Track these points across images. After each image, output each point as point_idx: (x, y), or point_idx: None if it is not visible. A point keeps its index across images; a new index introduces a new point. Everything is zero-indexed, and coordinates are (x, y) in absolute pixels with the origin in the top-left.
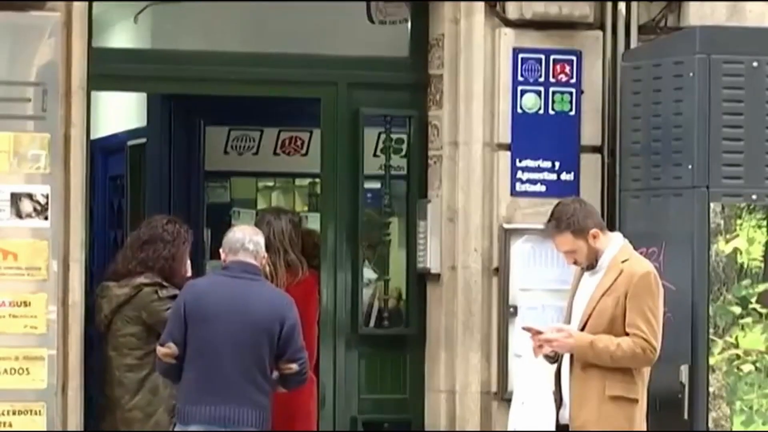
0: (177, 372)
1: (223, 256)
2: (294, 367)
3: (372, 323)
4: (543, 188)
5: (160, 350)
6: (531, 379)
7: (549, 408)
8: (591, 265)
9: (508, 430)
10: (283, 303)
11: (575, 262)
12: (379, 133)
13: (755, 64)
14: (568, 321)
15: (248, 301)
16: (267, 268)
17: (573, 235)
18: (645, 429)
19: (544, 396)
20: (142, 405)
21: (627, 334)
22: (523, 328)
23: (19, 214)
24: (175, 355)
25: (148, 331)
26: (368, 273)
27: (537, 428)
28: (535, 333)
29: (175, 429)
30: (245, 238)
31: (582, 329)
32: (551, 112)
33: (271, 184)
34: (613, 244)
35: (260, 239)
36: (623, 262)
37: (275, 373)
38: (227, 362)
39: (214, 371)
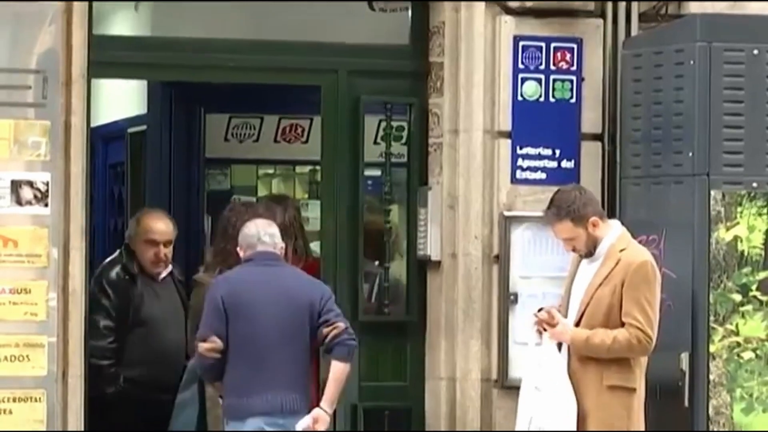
0: (218, 368)
1: (241, 253)
2: (340, 324)
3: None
4: (543, 176)
5: (204, 346)
6: (546, 364)
7: (569, 394)
8: (589, 253)
9: (520, 415)
10: (317, 281)
11: (574, 250)
12: (380, 121)
13: (756, 52)
14: (566, 308)
15: (285, 285)
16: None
17: (572, 223)
18: (643, 418)
19: (562, 382)
20: None
21: (623, 323)
22: (535, 315)
23: (19, 202)
24: (219, 350)
25: None
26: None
27: (558, 414)
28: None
29: (228, 424)
30: (260, 232)
31: (579, 318)
32: (552, 99)
33: (271, 171)
34: (612, 233)
35: (275, 230)
36: (621, 251)
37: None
38: (275, 350)
39: (263, 361)
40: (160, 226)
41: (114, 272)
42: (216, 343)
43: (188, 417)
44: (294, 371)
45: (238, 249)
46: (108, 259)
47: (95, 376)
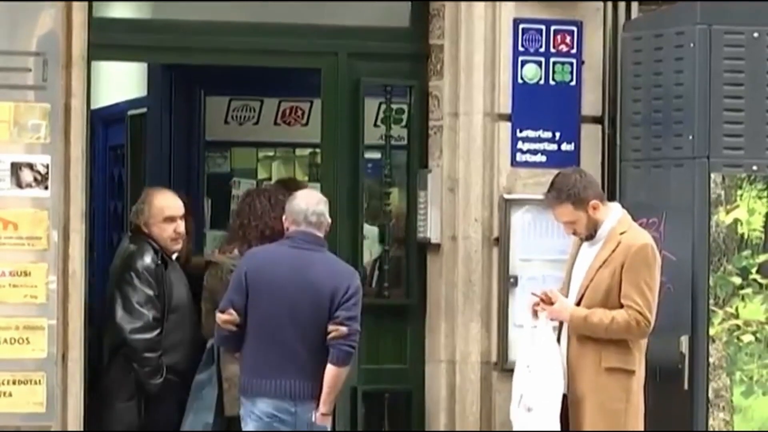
0: (236, 341)
1: (285, 224)
2: (343, 330)
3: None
4: (543, 158)
5: (221, 317)
6: (539, 344)
7: (557, 373)
8: (590, 236)
9: (513, 393)
10: (347, 272)
11: (574, 233)
12: (380, 103)
13: (756, 34)
14: (566, 291)
15: (309, 273)
16: None
17: (573, 206)
18: (643, 400)
19: (552, 361)
20: None
21: (621, 306)
22: (533, 294)
23: (19, 184)
24: (235, 323)
25: None
26: (368, 243)
27: (546, 393)
28: (546, 301)
29: (244, 405)
30: (308, 210)
31: (579, 300)
32: (552, 82)
33: (271, 154)
34: (612, 216)
35: (324, 208)
36: (621, 233)
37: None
38: (291, 336)
39: (277, 345)
40: (174, 201)
41: (149, 259)
42: (233, 315)
43: (207, 397)
44: (309, 358)
45: (284, 218)
46: (131, 248)
47: (143, 369)
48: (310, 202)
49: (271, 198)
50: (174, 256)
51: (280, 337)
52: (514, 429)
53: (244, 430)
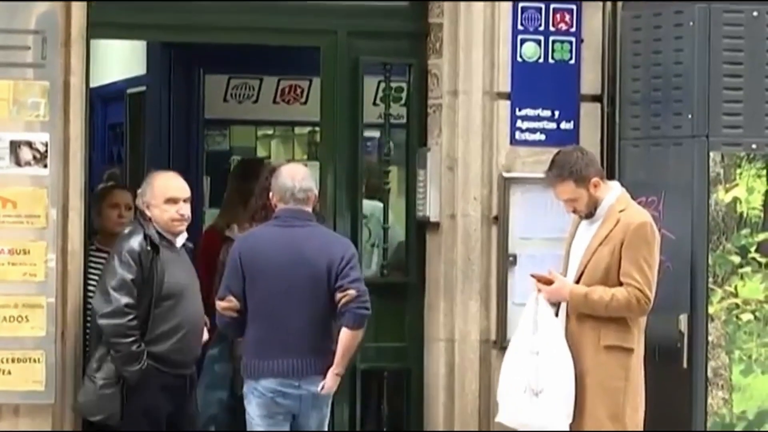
0: (238, 326)
1: (273, 200)
2: (351, 292)
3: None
4: (542, 137)
5: (221, 304)
6: (542, 328)
7: (566, 355)
8: (590, 214)
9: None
10: (340, 242)
11: (575, 211)
12: (379, 82)
13: (755, 13)
14: (566, 270)
15: (303, 250)
16: None
17: (575, 184)
18: (642, 378)
19: (559, 343)
20: None
21: (621, 284)
22: (532, 276)
23: (18, 162)
24: (236, 309)
25: None
26: (374, 208)
27: (557, 375)
28: (543, 281)
29: (247, 385)
30: (295, 187)
31: (578, 279)
32: (551, 61)
33: (270, 132)
34: (612, 194)
35: (310, 182)
36: (621, 211)
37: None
38: (291, 314)
39: (279, 324)
40: (177, 182)
41: (135, 243)
42: (232, 302)
43: (219, 373)
44: (311, 334)
45: (271, 195)
46: (124, 231)
47: (115, 355)
48: (296, 179)
49: None
50: (181, 241)
51: (280, 316)
52: (513, 423)
53: (247, 408)
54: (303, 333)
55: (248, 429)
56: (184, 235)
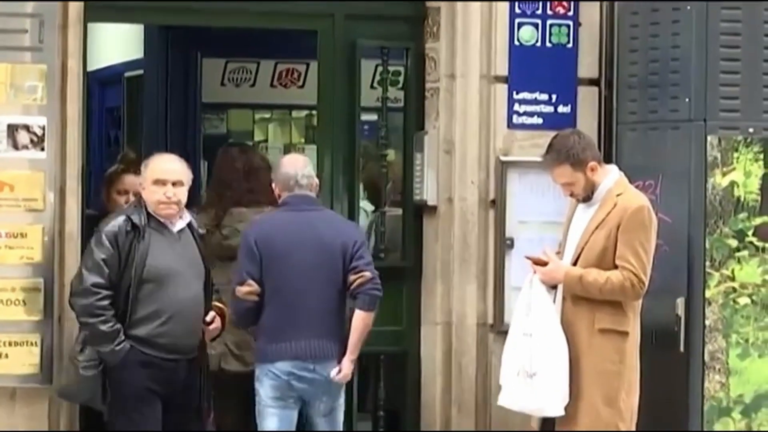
0: (255, 312)
1: (276, 190)
2: (366, 274)
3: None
4: (540, 121)
5: (242, 289)
6: (536, 310)
7: (560, 339)
8: (587, 198)
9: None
10: (351, 225)
11: (572, 194)
12: (376, 65)
13: None
14: (562, 253)
15: (317, 233)
16: None
17: (572, 167)
18: (638, 362)
19: (553, 327)
20: None
21: (617, 267)
22: (527, 258)
23: (15, 146)
24: (257, 293)
25: None
26: (365, 205)
27: (551, 357)
28: (538, 263)
29: (258, 367)
30: (297, 174)
31: (575, 262)
32: (548, 44)
33: (267, 116)
34: (609, 178)
35: (311, 169)
36: (618, 195)
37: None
38: (308, 296)
39: (296, 307)
40: (168, 165)
41: (115, 224)
42: (253, 286)
43: None
44: (327, 317)
45: (273, 185)
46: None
47: (88, 335)
48: (297, 167)
49: None
50: (180, 225)
51: (296, 299)
52: (513, 406)
53: (259, 390)
54: (319, 315)
55: (257, 411)
56: (186, 219)
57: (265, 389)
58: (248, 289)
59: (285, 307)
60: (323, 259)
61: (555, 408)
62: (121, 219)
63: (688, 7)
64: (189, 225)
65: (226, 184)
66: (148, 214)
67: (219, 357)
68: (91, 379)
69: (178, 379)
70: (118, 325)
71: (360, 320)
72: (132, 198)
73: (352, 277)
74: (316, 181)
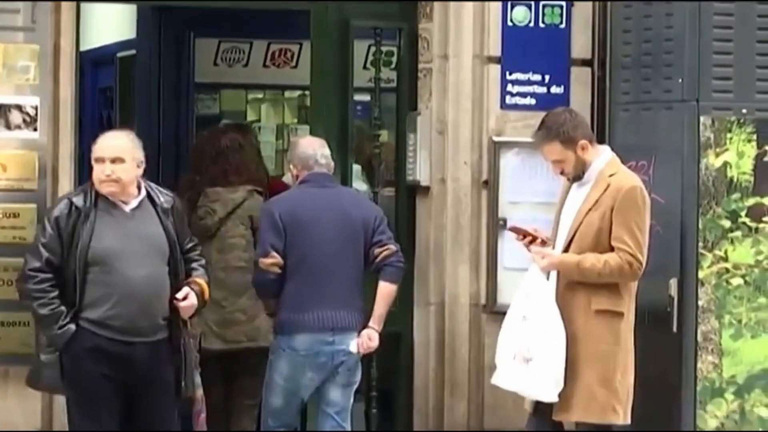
0: (277, 284)
1: (294, 171)
2: (392, 247)
3: None
4: (533, 101)
5: (265, 261)
6: (533, 293)
7: (558, 322)
8: (578, 177)
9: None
10: (370, 202)
11: (562, 173)
12: (369, 46)
13: None
14: (555, 234)
15: (341, 205)
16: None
17: (562, 145)
18: (632, 342)
19: (550, 310)
20: (245, 307)
21: (612, 249)
22: (510, 229)
23: (8, 126)
24: (280, 264)
25: (254, 234)
26: (358, 185)
27: (547, 341)
28: (523, 235)
29: (277, 339)
30: (316, 154)
31: (569, 243)
32: (541, 25)
33: (260, 96)
34: (601, 158)
35: (327, 151)
36: (610, 175)
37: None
38: (331, 269)
39: (318, 279)
40: (107, 142)
41: (58, 207)
42: (276, 258)
43: None
44: (348, 290)
45: (291, 167)
46: None
47: (34, 318)
48: (315, 147)
49: None
50: (134, 203)
51: (319, 271)
52: (507, 386)
53: (274, 363)
54: (341, 288)
55: (266, 383)
56: (139, 198)
57: (279, 363)
58: (272, 260)
59: (308, 278)
60: (346, 232)
61: (549, 394)
62: (63, 201)
63: None
64: (152, 201)
65: (197, 167)
66: (97, 193)
67: (199, 336)
68: (51, 364)
69: (138, 362)
70: (62, 308)
71: (386, 291)
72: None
73: (377, 250)
74: (332, 162)
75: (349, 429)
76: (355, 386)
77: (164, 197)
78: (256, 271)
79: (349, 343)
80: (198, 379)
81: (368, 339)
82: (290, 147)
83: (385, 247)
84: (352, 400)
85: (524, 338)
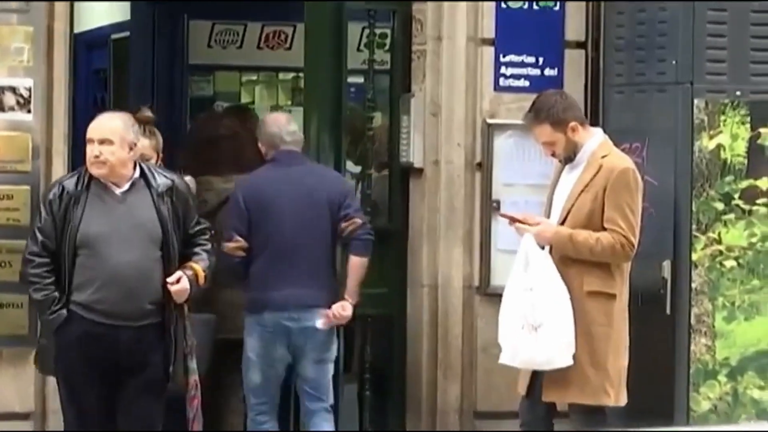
0: (244, 267)
1: (263, 149)
2: (357, 220)
3: None
4: (527, 83)
5: (229, 245)
6: (533, 265)
7: (562, 288)
8: (570, 159)
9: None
10: (338, 177)
11: (554, 155)
12: (363, 28)
13: None
14: (548, 216)
15: (305, 185)
16: None
17: (552, 127)
18: (626, 324)
19: (554, 278)
20: (239, 297)
21: (604, 230)
22: (501, 215)
23: (1, 108)
24: (243, 248)
25: None
26: (351, 167)
27: (555, 309)
28: (513, 220)
29: (246, 317)
30: (281, 132)
31: (561, 224)
32: (535, 7)
33: (254, 78)
34: (594, 139)
35: (295, 126)
36: (603, 157)
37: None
38: (297, 248)
39: (284, 257)
40: (98, 122)
41: (51, 191)
42: (240, 241)
43: None
44: (314, 267)
45: (259, 144)
46: None
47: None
48: (280, 124)
49: None
50: (126, 186)
51: (285, 251)
52: (516, 361)
53: (247, 341)
54: (307, 266)
55: (243, 363)
56: (131, 180)
57: (251, 340)
58: (235, 245)
59: (273, 258)
60: (311, 211)
61: (563, 358)
62: (56, 185)
63: None
64: (148, 184)
65: (191, 154)
66: (91, 176)
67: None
68: (46, 349)
69: (124, 347)
70: (55, 294)
71: (355, 265)
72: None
73: (343, 225)
74: (301, 136)
75: (331, 403)
76: (331, 362)
77: (161, 180)
78: (221, 256)
79: (316, 320)
80: (193, 365)
81: (341, 309)
82: (258, 125)
83: (351, 221)
84: (330, 375)
85: (530, 308)
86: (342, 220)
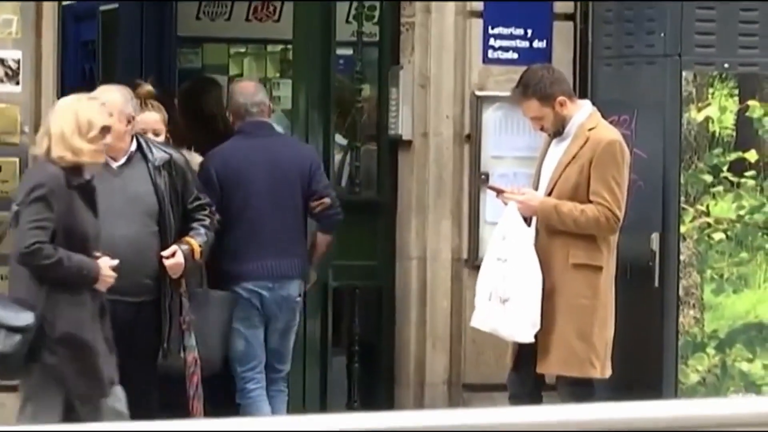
0: (217, 239)
1: (231, 118)
2: (326, 201)
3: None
4: (515, 56)
5: None
6: (511, 236)
7: (535, 265)
8: (558, 132)
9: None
10: (307, 148)
11: (542, 129)
12: (351, 0)
13: None
14: (536, 188)
15: (274, 155)
16: None
17: (539, 102)
18: (613, 297)
19: (528, 253)
20: None
21: (590, 202)
22: (489, 187)
23: None
24: (217, 220)
25: None
26: (339, 139)
27: (524, 282)
28: (500, 192)
29: (222, 291)
30: (247, 102)
31: (548, 196)
32: None
33: (243, 50)
34: (582, 112)
35: (262, 95)
36: (590, 129)
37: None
38: (268, 218)
39: (256, 229)
40: (94, 94)
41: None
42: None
43: None
44: (287, 238)
45: (227, 112)
46: None
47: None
48: (247, 94)
49: None
50: (122, 159)
51: (257, 222)
52: (484, 327)
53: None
54: (279, 236)
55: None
56: (128, 153)
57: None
58: None
59: (246, 230)
60: (281, 182)
61: (525, 334)
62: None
63: None
64: (145, 158)
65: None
66: None
67: None
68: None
69: (120, 322)
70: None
71: (321, 241)
72: (152, 137)
73: (312, 204)
74: (268, 105)
75: (287, 370)
76: (294, 329)
77: (159, 153)
78: None
79: (290, 290)
80: (192, 342)
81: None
82: (229, 94)
83: (320, 202)
84: (291, 343)
85: (501, 279)
86: (312, 197)
